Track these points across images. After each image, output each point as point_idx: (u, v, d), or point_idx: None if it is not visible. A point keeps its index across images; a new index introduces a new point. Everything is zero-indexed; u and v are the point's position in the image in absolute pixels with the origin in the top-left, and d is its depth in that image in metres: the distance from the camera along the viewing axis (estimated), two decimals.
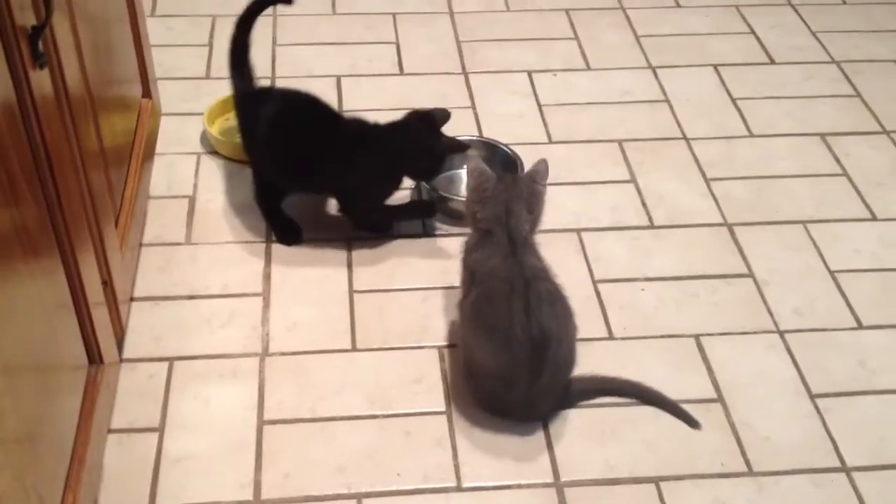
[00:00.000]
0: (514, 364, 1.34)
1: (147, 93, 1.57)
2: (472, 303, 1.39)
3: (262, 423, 1.40)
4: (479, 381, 1.42)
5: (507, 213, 1.39)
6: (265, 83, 2.03)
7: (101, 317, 1.16)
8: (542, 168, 1.45)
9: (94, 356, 1.14)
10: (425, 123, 1.61)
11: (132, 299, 1.55)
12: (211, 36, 2.18)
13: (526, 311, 1.32)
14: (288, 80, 2.04)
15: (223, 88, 1.97)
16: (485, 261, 1.39)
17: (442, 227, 1.73)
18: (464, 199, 1.52)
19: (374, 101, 1.99)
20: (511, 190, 1.42)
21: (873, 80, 2.15)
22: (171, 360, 1.47)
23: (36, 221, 0.97)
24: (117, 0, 1.40)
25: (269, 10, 2.26)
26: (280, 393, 1.44)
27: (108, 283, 1.21)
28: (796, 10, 2.38)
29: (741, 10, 2.37)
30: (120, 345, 1.47)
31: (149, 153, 1.54)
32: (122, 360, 1.46)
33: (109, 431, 1.36)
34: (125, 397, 1.41)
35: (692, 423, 1.42)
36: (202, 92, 1.99)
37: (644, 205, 1.80)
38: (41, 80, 0.97)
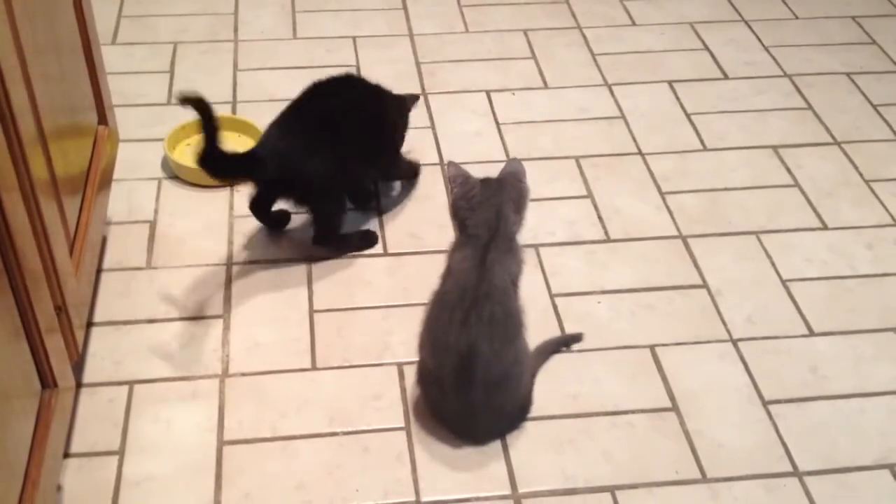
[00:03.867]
0: (442, 369, 1.36)
1: (103, 120, 1.58)
2: (431, 298, 1.41)
3: (221, 443, 1.41)
4: (422, 376, 1.45)
5: (498, 217, 1.40)
6: (226, 108, 2.06)
7: (54, 342, 1.17)
8: (519, 167, 1.47)
9: (47, 381, 1.15)
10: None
11: (92, 324, 1.57)
12: (172, 63, 2.20)
13: (462, 324, 1.34)
14: (249, 104, 2.06)
15: (184, 113, 1.99)
16: (459, 262, 1.39)
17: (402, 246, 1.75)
18: None
19: None
20: (499, 193, 1.42)
21: (825, 92, 2.20)
22: (131, 383, 1.49)
23: None
24: (69, 29, 1.42)
25: (230, 36, 2.31)
26: (240, 413, 1.45)
27: (62, 309, 1.22)
28: (749, 26, 2.43)
29: (695, 28, 2.41)
30: (78, 369, 1.48)
31: (105, 180, 1.55)
32: (81, 385, 1.47)
33: (69, 456, 1.37)
34: (85, 421, 1.42)
35: (574, 339, 1.55)
36: (163, 118, 2.01)
37: (600, 219, 1.83)
38: None
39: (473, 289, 1.35)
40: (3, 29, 1.08)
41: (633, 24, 2.42)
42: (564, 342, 1.57)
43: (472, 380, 1.35)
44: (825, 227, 1.83)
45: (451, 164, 1.47)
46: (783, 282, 1.71)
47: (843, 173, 1.97)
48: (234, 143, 1.96)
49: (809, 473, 1.40)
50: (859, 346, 1.60)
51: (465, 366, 1.34)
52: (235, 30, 2.33)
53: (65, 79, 1.37)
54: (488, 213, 1.40)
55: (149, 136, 1.96)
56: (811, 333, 1.62)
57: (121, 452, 1.39)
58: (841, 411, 1.49)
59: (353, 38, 2.31)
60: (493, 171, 1.92)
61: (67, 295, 1.24)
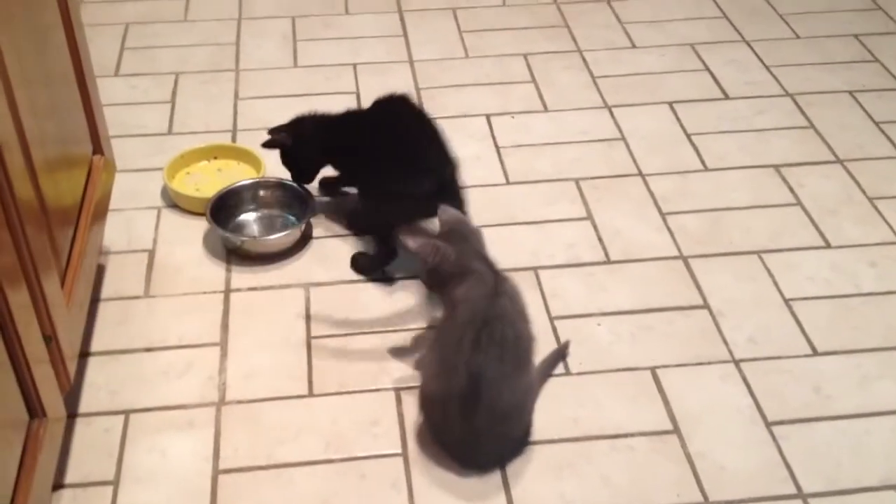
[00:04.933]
0: (448, 393, 1.34)
1: (99, 150, 1.59)
2: (440, 323, 1.40)
3: (217, 472, 1.40)
4: (424, 400, 1.43)
5: (487, 258, 1.41)
6: (226, 137, 2.07)
7: (43, 371, 1.17)
8: (454, 214, 1.48)
9: (35, 411, 1.14)
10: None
11: (89, 354, 1.56)
12: (173, 94, 2.21)
13: (473, 346, 1.33)
14: (249, 132, 2.07)
15: (184, 142, 2.01)
16: (466, 292, 1.38)
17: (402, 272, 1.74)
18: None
19: None
20: (469, 241, 1.43)
21: (826, 111, 2.18)
22: (126, 412, 1.48)
23: None
24: (61, 60, 1.43)
25: (232, 66, 2.33)
26: (236, 441, 1.44)
27: (52, 338, 1.21)
28: (750, 46, 2.42)
29: (696, 49, 2.41)
30: (74, 399, 1.48)
31: (101, 210, 1.56)
32: (77, 415, 1.46)
33: (63, 486, 1.36)
34: (80, 451, 1.42)
35: (563, 352, 1.54)
36: (164, 147, 2.02)
37: (600, 241, 1.82)
38: None
39: (485, 311, 1.34)
40: None
41: (633, 46, 2.42)
42: (556, 360, 1.55)
43: (478, 403, 1.33)
44: (828, 246, 1.81)
45: (406, 237, 1.39)
46: (786, 301, 1.69)
47: (846, 191, 1.95)
48: (235, 170, 1.96)
49: (814, 495, 1.38)
50: (863, 366, 1.58)
51: (472, 388, 1.32)
52: (237, 60, 2.34)
53: (56, 109, 1.37)
54: (478, 257, 1.41)
55: (149, 166, 1.97)
56: (815, 353, 1.60)
57: (115, 482, 1.38)
58: (845, 432, 1.47)
59: (354, 66, 2.32)
60: (497, 194, 1.93)
61: (58, 325, 1.24)
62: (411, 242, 1.39)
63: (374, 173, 1.69)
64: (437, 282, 1.41)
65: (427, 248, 1.39)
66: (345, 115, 1.83)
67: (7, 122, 1.12)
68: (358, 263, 1.74)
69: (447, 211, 1.48)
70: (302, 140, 1.80)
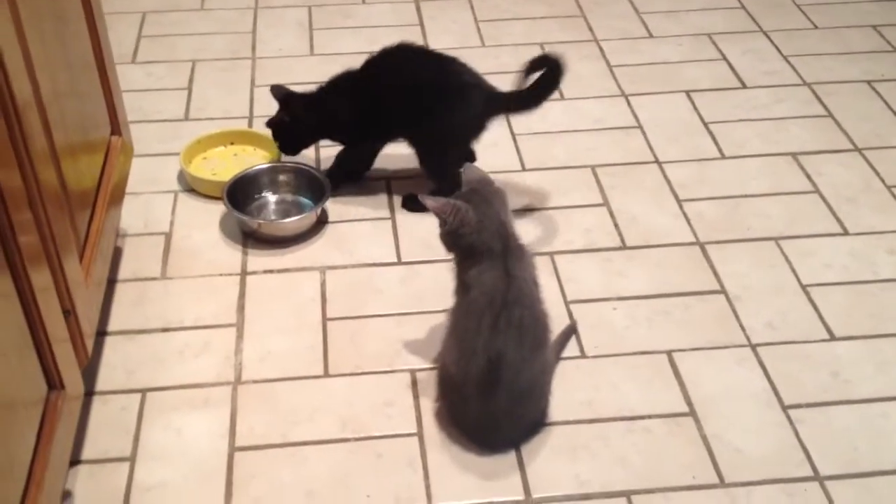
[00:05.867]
0: (467, 376, 1.34)
1: (116, 130, 1.60)
2: (455, 308, 1.39)
3: (233, 450, 1.40)
4: (442, 383, 1.43)
5: (503, 226, 1.37)
6: (243, 123, 2.07)
7: (62, 343, 1.17)
8: (480, 172, 1.46)
9: (54, 382, 1.15)
10: None
11: (106, 334, 1.57)
12: (190, 80, 2.22)
13: (491, 330, 1.32)
14: (266, 119, 2.07)
15: (201, 128, 2.02)
16: (479, 275, 1.36)
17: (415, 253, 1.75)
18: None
19: None
20: (490, 204, 1.38)
21: (845, 100, 2.17)
22: (143, 391, 1.48)
23: None
24: (82, 47, 1.44)
25: (248, 54, 2.33)
26: (251, 420, 1.44)
27: (71, 313, 1.22)
28: (768, 36, 2.41)
29: (713, 38, 2.40)
30: (91, 378, 1.48)
31: (119, 191, 1.56)
32: (94, 393, 1.47)
33: (80, 462, 1.37)
34: (97, 429, 1.42)
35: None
36: (180, 133, 2.02)
37: (617, 227, 1.81)
38: None
39: (503, 293, 1.33)
40: (14, 49, 1.10)
41: (651, 36, 2.41)
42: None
43: (497, 386, 1.33)
44: (846, 233, 1.80)
45: (425, 197, 1.38)
46: (803, 287, 1.68)
47: (865, 180, 1.94)
48: (251, 156, 1.97)
49: (831, 478, 1.37)
50: (882, 351, 1.57)
51: (491, 371, 1.32)
52: (253, 48, 2.35)
53: (77, 95, 1.39)
54: (492, 226, 1.37)
55: (166, 151, 1.97)
56: (832, 338, 1.59)
57: (132, 459, 1.38)
58: (863, 416, 1.46)
59: (370, 54, 2.31)
60: (513, 181, 1.93)
61: (77, 301, 1.25)
62: (431, 202, 1.36)
63: (425, 115, 1.75)
64: (457, 242, 1.38)
65: (447, 208, 1.36)
66: (359, 75, 1.85)
67: (31, 108, 1.14)
68: (414, 204, 1.80)
69: (473, 170, 1.46)
70: (314, 110, 1.83)
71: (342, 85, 1.84)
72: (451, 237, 1.38)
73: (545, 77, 1.76)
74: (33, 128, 1.14)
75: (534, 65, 1.76)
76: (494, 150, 2.01)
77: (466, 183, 1.44)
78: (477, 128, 1.82)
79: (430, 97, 1.76)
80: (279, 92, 1.88)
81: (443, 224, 1.38)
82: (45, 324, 1.12)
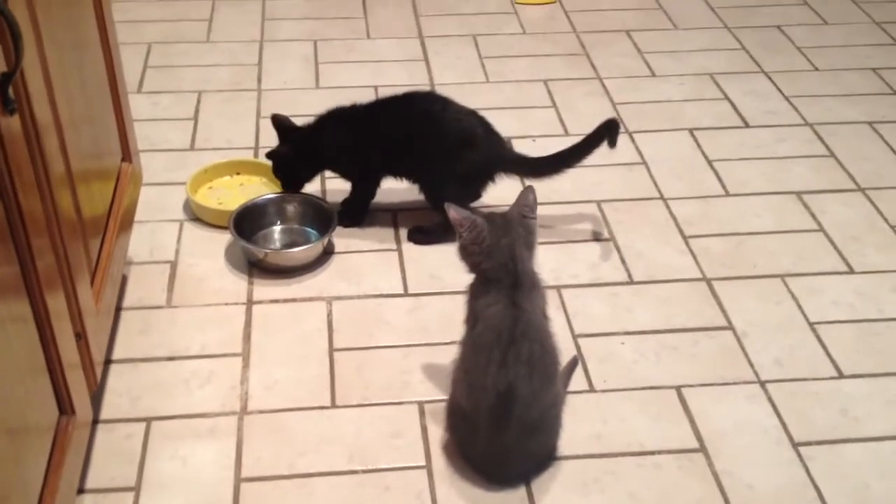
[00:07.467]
0: (478, 412, 1.33)
1: (127, 157, 1.59)
2: (464, 340, 1.38)
3: (239, 480, 1.38)
4: (451, 415, 1.42)
5: (513, 259, 1.35)
6: (248, 154, 2.07)
7: (73, 368, 1.16)
8: (530, 198, 1.41)
9: (65, 407, 1.14)
10: None
11: (111, 361, 1.55)
12: (196, 111, 2.22)
13: (501, 366, 1.31)
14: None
15: (206, 158, 2.02)
16: (485, 308, 1.35)
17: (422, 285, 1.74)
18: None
19: None
20: (508, 233, 1.37)
21: (846, 140, 2.19)
22: (148, 420, 1.47)
23: (7, 274, 0.99)
24: (98, 75, 1.46)
25: (254, 85, 2.34)
26: (258, 450, 1.43)
27: (82, 336, 1.21)
28: (769, 77, 2.44)
29: (715, 78, 2.42)
30: (96, 406, 1.47)
31: (128, 218, 1.56)
32: (99, 422, 1.45)
33: (84, 492, 1.35)
34: (101, 458, 1.40)
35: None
36: (186, 163, 2.02)
37: (623, 261, 1.82)
38: (12, 129, 1.00)
39: (510, 329, 1.32)
40: (36, 73, 1.11)
41: (653, 74, 2.44)
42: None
43: (508, 420, 1.32)
44: (851, 271, 1.81)
45: (450, 206, 1.38)
46: (810, 324, 1.68)
47: (868, 219, 1.95)
48: (257, 186, 1.97)
49: None
50: (889, 389, 1.56)
51: (502, 406, 1.31)
52: (259, 80, 2.36)
53: (92, 121, 1.40)
54: (502, 256, 1.36)
55: (172, 180, 1.97)
56: (840, 376, 1.58)
57: (136, 489, 1.36)
58: (874, 453, 1.45)
59: (375, 88, 2.33)
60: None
61: (88, 326, 1.24)
62: (453, 211, 1.38)
63: (440, 154, 1.79)
64: (467, 258, 1.38)
65: (465, 221, 1.37)
66: (371, 110, 1.88)
67: (51, 132, 1.14)
68: (419, 235, 1.84)
69: (526, 193, 1.42)
70: (321, 144, 1.84)
71: (350, 117, 1.85)
72: (464, 252, 1.38)
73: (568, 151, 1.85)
74: (52, 151, 1.14)
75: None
76: (500, 183, 2.01)
77: (515, 204, 1.42)
78: (481, 181, 1.86)
79: (435, 144, 1.80)
80: (280, 123, 1.88)
81: (458, 236, 1.39)
82: (59, 348, 1.11)
